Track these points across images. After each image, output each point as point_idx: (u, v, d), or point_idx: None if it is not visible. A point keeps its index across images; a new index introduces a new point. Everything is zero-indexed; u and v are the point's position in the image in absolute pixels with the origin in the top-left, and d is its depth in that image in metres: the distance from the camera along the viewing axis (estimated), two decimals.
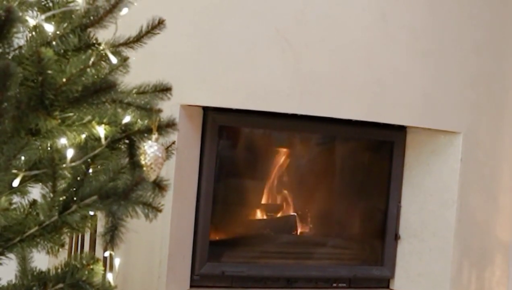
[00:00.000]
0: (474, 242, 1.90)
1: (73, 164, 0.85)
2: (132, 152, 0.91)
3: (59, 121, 0.82)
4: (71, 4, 0.84)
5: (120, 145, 0.92)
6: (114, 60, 0.85)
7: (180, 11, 1.55)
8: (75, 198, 0.86)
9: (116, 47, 0.86)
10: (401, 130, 1.89)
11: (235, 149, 1.88)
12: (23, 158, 0.83)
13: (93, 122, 0.85)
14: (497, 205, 1.96)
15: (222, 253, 1.77)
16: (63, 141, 0.85)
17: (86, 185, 0.86)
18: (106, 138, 0.88)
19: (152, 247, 1.55)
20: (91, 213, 0.92)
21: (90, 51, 0.84)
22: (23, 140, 0.80)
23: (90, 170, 0.89)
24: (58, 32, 0.82)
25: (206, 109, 1.67)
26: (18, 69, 0.73)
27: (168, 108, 0.96)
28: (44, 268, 0.95)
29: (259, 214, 1.90)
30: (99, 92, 0.82)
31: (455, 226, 1.83)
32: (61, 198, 0.85)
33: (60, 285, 0.92)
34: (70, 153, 0.85)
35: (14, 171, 0.81)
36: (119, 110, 0.86)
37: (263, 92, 1.61)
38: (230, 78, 1.59)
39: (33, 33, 0.82)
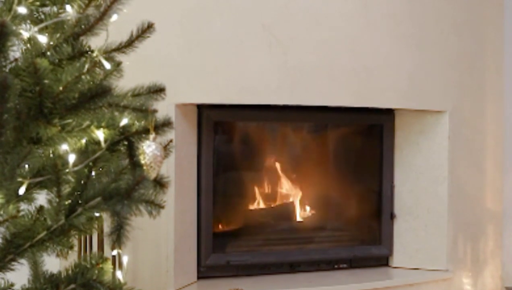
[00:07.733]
0: (467, 216, 1.96)
1: (75, 168, 0.87)
2: (132, 152, 0.93)
3: (59, 128, 0.84)
4: (62, 15, 0.86)
5: (119, 147, 0.94)
6: (107, 65, 0.87)
7: (168, 13, 1.57)
8: (80, 201, 0.88)
9: (108, 53, 0.88)
10: (389, 113, 1.93)
11: (231, 143, 1.91)
12: (27, 166, 0.84)
13: (92, 127, 0.88)
14: (486, 179, 2.02)
15: (226, 244, 1.80)
16: (64, 147, 0.88)
17: (90, 188, 0.88)
18: (105, 141, 0.90)
19: (158, 243, 1.58)
20: (97, 214, 0.95)
21: (84, 58, 0.86)
22: (25, 149, 0.82)
23: (93, 173, 0.91)
24: (51, 43, 0.85)
25: (200, 107, 1.70)
26: (15, 81, 0.76)
27: (164, 108, 0.99)
28: (55, 271, 0.97)
29: (259, 204, 1.93)
30: (96, 97, 0.84)
31: (447, 201, 1.89)
32: (66, 202, 0.88)
33: (72, 286, 0.93)
34: (72, 158, 0.87)
35: (20, 179, 0.83)
36: (116, 113, 0.89)
37: (254, 86, 1.64)
38: (221, 75, 1.61)
39: (28, 45, 0.84)
